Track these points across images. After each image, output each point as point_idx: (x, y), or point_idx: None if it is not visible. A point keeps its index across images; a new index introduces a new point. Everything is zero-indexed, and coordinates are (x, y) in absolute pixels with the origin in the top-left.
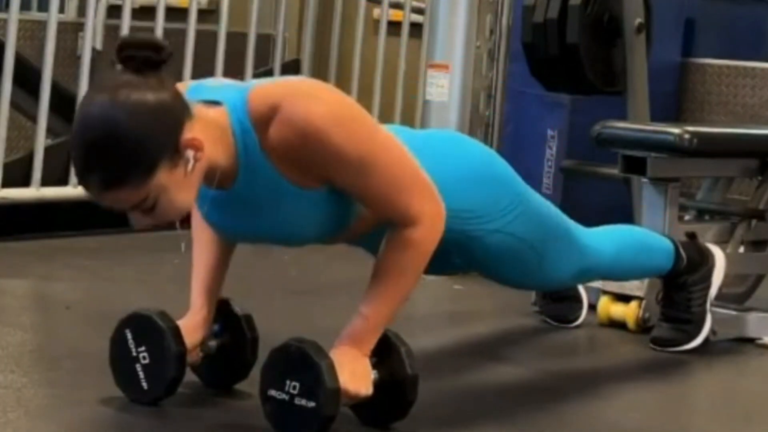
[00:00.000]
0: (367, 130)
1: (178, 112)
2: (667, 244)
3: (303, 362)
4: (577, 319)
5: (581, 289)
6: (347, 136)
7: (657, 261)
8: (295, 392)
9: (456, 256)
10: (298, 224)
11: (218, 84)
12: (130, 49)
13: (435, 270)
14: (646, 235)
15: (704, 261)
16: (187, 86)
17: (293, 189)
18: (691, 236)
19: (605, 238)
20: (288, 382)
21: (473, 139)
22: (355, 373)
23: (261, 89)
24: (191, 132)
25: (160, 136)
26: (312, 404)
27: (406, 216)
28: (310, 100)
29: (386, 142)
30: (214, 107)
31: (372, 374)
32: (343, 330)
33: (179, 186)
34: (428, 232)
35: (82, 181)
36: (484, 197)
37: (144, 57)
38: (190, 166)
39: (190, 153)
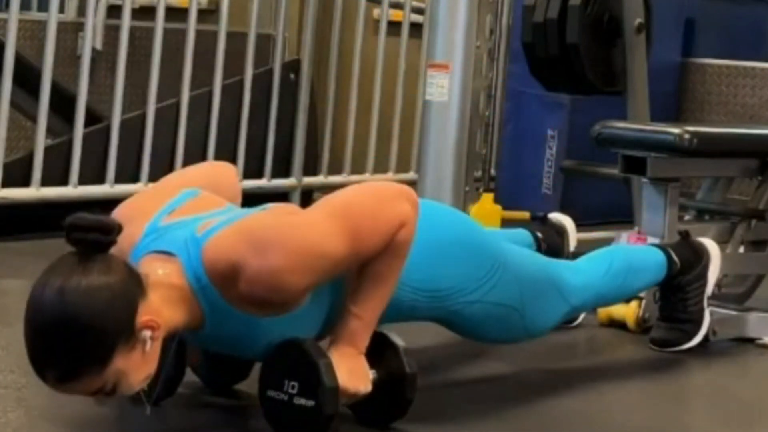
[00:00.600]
0: (322, 242)
1: (130, 296)
2: (658, 257)
3: (301, 361)
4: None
5: None
6: (312, 269)
7: (647, 279)
8: (294, 392)
9: (441, 324)
10: (270, 339)
11: (171, 223)
12: (79, 231)
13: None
14: (633, 256)
15: (699, 259)
16: (144, 227)
17: (268, 321)
18: (684, 235)
19: (590, 272)
20: (287, 381)
21: (444, 206)
22: (353, 371)
23: (213, 247)
24: (146, 310)
25: (114, 324)
26: (311, 403)
27: (394, 230)
28: (267, 254)
29: (343, 222)
30: (166, 260)
31: (371, 373)
32: (336, 330)
33: (138, 366)
34: (412, 228)
35: (38, 374)
36: (461, 272)
37: (92, 240)
38: (147, 346)
39: (146, 333)
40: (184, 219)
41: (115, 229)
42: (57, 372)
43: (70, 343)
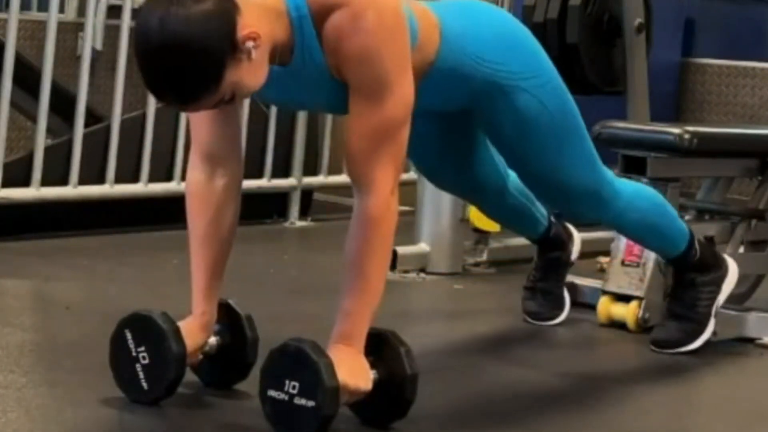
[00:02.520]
0: (404, 61)
1: (227, 14)
2: (685, 226)
3: (301, 362)
4: (554, 318)
5: (565, 290)
6: (389, 52)
7: (671, 231)
8: (295, 392)
9: (481, 109)
10: (329, 105)
11: None
12: None
13: (456, 163)
14: (667, 204)
15: (717, 266)
16: None
17: (330, 76)
18: (710, 240)
19: (627, 182)
20: (287, 382)
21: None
22: (353, 370)
23: None
24: (245, 25)
25: (218, 43)
26: (311, 403)
27: (369, 180)
28: (367, 9)
29: (404, 85)
30: None
31: (371, 373)
32: (333, 330)
33: (249, 73)
34: (385, 207)
35: (162, 101)
36: (519, 56)
37: None
38: (253, 54)
39: (249, 44)
40: None
41: None
42: (178, 99)
43: (181, 72)
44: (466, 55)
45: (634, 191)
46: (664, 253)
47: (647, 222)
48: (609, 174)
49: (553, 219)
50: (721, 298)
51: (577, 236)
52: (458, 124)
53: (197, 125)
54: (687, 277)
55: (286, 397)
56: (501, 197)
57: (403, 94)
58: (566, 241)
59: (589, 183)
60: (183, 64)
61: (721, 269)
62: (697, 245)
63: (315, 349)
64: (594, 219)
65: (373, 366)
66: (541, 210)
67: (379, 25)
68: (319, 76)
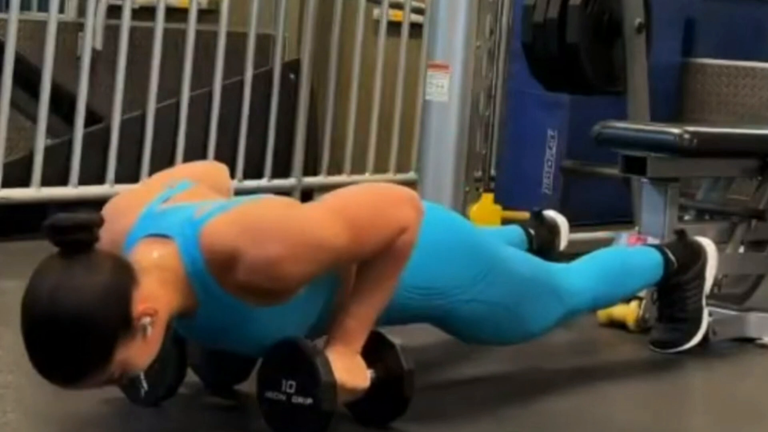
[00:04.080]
0: (321, 233)
1: (122, 289)
2: (654, 257)
3: (297, 360)
4: None
5: None
6: (309, 260)
7: (644, 280)
8: (292, 391)
9: (437, 324)
10: (271, 335)
11: (167, 208)
12: (61, 234)
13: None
14: (629, 258)
15: (696, 258)
16: (139, 214)
17: (260, 312)
18: (680, 234)
19: (585, 275)
20: (284, 381)
21: (439, 207)
22: (350, 368)
23: (211, 231)
24: (141, 298)
25: (111, 321)
26: (309, 401)
27: (397, 234)
28: (266, 243)
29: (343, 218)
30: (162, 242)
31: (368, 372)
32: (332, 330)
33: (141, 352)
34: (413, 233)
35: (45, 378)
36: (455, 271)
37: (74, 240)
38: (148, 332)
39: (146, 320)
40: (181, 204)
41: (96, 225)
42: (62, 376)
43: (69, 349)
44: (399, 286)
45: (597, 279)
46: (648, 287)
47: (621, 292)
48: (569, 285)
49: (531, 231)
50: (708, 285)
51: (564, 225)
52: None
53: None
54: (670, 282)
55: (284, 397)
56: None
57: (344, 222)
58: (552, 242)
59: (557, 315)
60: (70, 342)
61: (700, 258)
62: (672, 258)
63: (310, 347)
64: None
65: (370, 365)
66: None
67: (282, 256)
68: (245, 317)
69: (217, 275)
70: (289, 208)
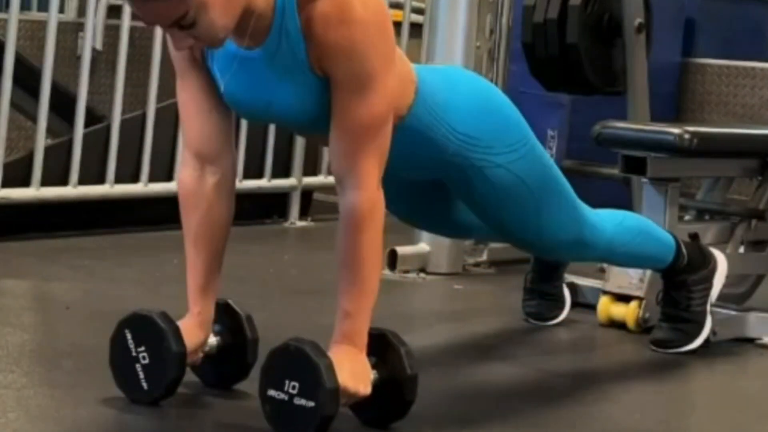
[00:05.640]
0: (388, 50)
1: None
2: (669, 238)
3: (302, 362)
4: (554, 317)
5: (565, 289)
6: (375, 46)
7: (657, 250)
8: (295, 392)
9: (458, 186)
10: (301, 102)
11: None
12: None
13: (435, 214)
14: (648, 224)
15: (706, 262)
16: None
17: (307, 68)
18: (694, 237)
19: (607, 217)
20: (287, 382)
21: (488, 81)
22: (354, 372)
23: None
24: None
25: None
26: (311, 404)
27: (355, 176)
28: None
29: (388, 81)
30: None
31: (371, 374)
32: (335, 329)
33: (220, 5)
34: (372, 202)
35: None
36: (492, 129)
37: None
38: None
39: None
40: None
41: None
42: None
43: None
44: (439, 123)
45: (615, 225)
46: (653, 269)
47: (632, 250)
48: (589, 215)
49: None
50: (714, 293)
51: None
52: (430, 189)
53: (188, 121)
54: (677, 280)
55: (286, 397)
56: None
57: (387, 90)
58: None
59: (572, 234)
60: None
61: (710, 264)
62: (683, 250)
63: (315, 349)
64: (580, 261)
65: (373, 366)
66: None
67: (366, 18)
68: (294, 67)
69: (301, 3)
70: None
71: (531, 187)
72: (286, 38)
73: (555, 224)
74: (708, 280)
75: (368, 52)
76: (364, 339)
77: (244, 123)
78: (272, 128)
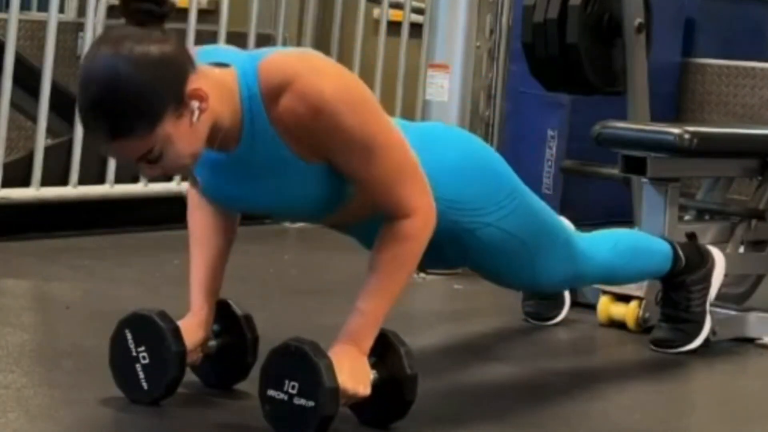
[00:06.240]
0: (374, 115)
1: (182, 63)
2: (665, 246)
3: (302, 362)
4: (554, 317)
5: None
6: (357, 117)
7: (653, 265)
8: (294, 392)
9: (449, 248)
10: (294, 195)
11: (229, 49)
12: (134, 2)
13: (429, 263)
14: (642, 240)
15: (704, 262)
16: (196, 50)
17: (294, 160)
18: (691, 236)
19: (600, 244)
20: (287, 382)
21: (471, 133)
22: (354, 373)
23: (273, 60)
24: (196, 81)
25: (165, 85)
26: (311, 404)
27: (403, 207)
28: (323, 77)
29: (390, 131)
30: (223, 69)
31: (371, 374)
32: (342, 327)
33: (185, 137)
34: (423, 225)
35: (88, 132)
36: (479, 189)
37: (147, 9)
38: (195, 116)
39: (195, 103)
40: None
41: (168, 1)
42: (108, 128)
43: (121, 100)
44: None
45: (609, 249)
46: (652, 278)
47: (629, 271)
48: (583, 248)
49: None
50: (713, 291)
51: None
52: None
53: None
54: (676, 281)
55: (286, 397)
56: None
57: (391, 136)
58: None
59: (568, 272)
60: (126, 93)
61: (708, 263)
62: (681, 254)
63: (315, 349)
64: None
65: (373, 366)
66: None
67: (335, 98)
68: (279, 165)
69: (266, 102)
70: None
71: (523, 239)
72: (261, 141)
73: (550, 267)
74: (706, 279)
75: (354, 126)
76: (368, 342)
77: None
78: None
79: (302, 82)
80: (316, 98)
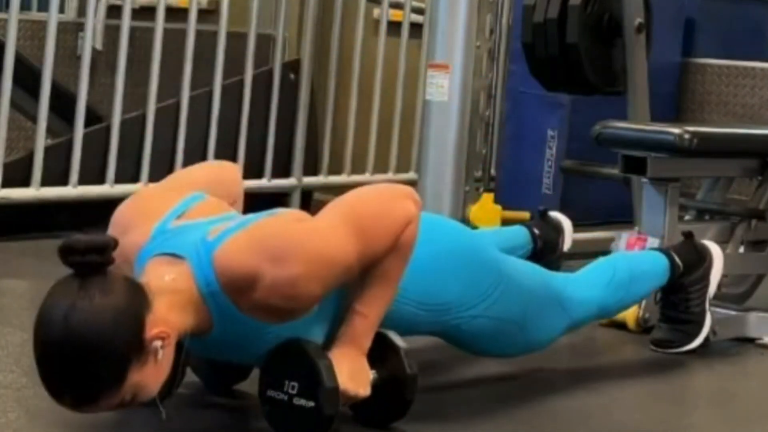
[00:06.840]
0: (336, 250)
1: (135, 313)
2: (661, 261)
3: (301, 362)
4: None
5: None
6: (327, 277)
7: (651, 285)
8: (294, 392)
9: (442, 336)
10: (271, 346)
11: (180, 226)
12: (75, 254)
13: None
14: (638, 264)
15: (701, 260)
16: (152, 229)
17: (276, 327)
18: (687, 235)
19: (594, 284)
20: (287, 382)
21: (444, 219)
22: (353, 373)
23: (228, 255)
24: (154, 322)
25: (124, 345)
26: (311, 404)
27: (403, 228)
28: (286, 264)
29: (353, 227)
30: (175, 263)
31: (371, 374)
32: (341, 329)
33: (152, 376)
34: (416, 226)
35: (56, 400)
36: (462, 286)
37: (89, 262)
38: (159, 355)
39: (157, 344)
40: (194, 222)
41: (110, 247)
42: (75, 399)
43: (82, 371)
44: (404, 302)
45: (604, 287)
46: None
47: (627, 300)
48: (574, 296)
49: (536, 231)
50: (712, 289)
51: (568, 226)
52: None
53: None
54: (675, 283)
55: (286, 398)
56: None
57: (349, 230)
58: (557, 241)
59: (561, 327)
60: (83, 365)
61: (706, 261)
62: (678, 261)
63: (315, 349)
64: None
65: (373, 366)
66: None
67: (305, 274)
68: (255, 334)
69: (232, 296)
70: (301, 223)
71: (513, 319)
72: (231, 325)
73: (543, 331)
74: (705, 278)
75: (329, 281)
76: (368, 343)
77: (243, 123)
78: (272, 128)
79: (269, 278)
80: (288, 288)
